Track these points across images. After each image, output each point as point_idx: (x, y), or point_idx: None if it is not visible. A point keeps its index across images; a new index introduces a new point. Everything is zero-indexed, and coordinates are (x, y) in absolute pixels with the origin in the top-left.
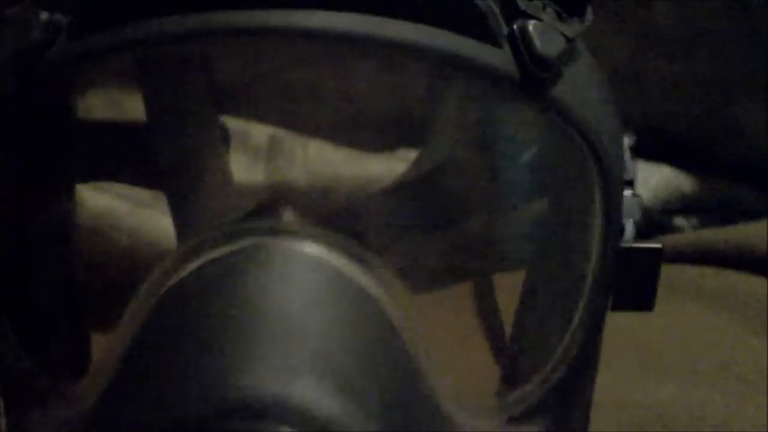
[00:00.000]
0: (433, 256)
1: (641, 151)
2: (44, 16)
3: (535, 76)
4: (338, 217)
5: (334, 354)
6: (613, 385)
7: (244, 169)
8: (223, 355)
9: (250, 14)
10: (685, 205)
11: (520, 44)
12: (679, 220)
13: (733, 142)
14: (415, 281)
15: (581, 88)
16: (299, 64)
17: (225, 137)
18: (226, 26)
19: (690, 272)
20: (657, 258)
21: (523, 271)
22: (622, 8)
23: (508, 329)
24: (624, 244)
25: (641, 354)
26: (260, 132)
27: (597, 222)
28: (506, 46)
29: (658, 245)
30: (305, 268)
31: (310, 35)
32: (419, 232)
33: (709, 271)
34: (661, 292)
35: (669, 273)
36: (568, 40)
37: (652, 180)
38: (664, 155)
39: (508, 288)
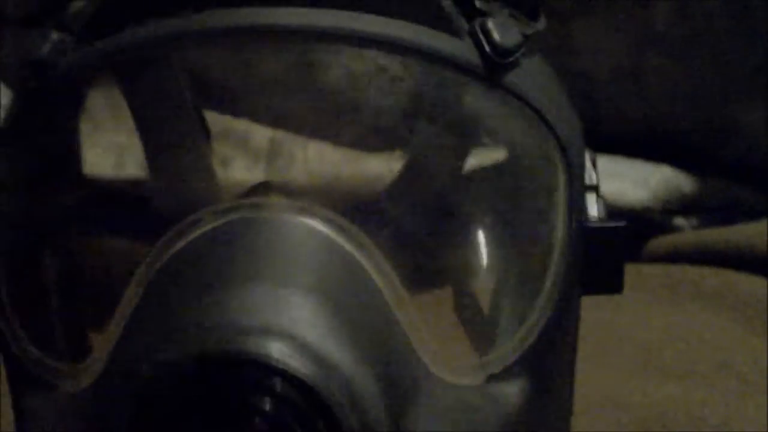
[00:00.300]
0: (415, 234)
1: (641, 151)
2: (55, 35)
3: (495, 64)
4: (324, 196)
5: (316, 312)
6: (613, 385)
7: (244, 167)
8: (212, 310)
9: (218, 15)
10: (685, 205)
11: (481, 37)
12: (679, 220)
13: (733, 142)
14: (400, 258)
15: (538, 79)
16: (271, 59)
17: (207, 131)
18: (193, 30)
19: (690, 272)
20: (622, 236)
21: (495, 246)
22: (622, 8)
23: (486, 295)
24: (590, 224)
25: (641, 354)
26: (259, 133)
27: (561, 199)
28: (467, 40)
29: (621, 223)
30: (290, 233)
31: (281, 31)
32: (402, 214)
33: (709, 271)
34: (661, 292)
35: (669, 273)
36: (525, 36)
37: (652, 180)
38: (664, 155)
39: (484, 258)
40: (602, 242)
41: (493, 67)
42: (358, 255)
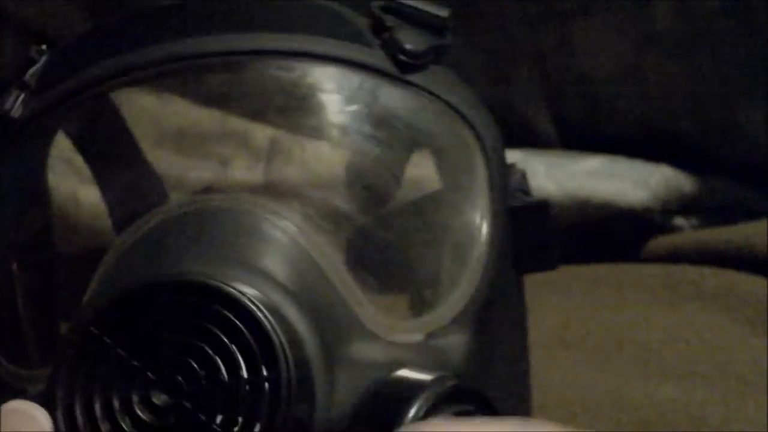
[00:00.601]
0: (355, 221)
1: (641, 151)
2: (15, 93)
3: (404, 65)
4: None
5: (253, 272)
6: (613, 385)
7: (244, 167)
8: (172, 261)
9: (145, 52)
10: (685, 205)
11: (391, 46)
12: (679, 220)
13: (733, 142)
14: (346, 243)
15: (446, 80)
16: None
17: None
18: (122, 67)
19: (690, 272)
20: (544, 212)
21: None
22: (622, 8)
23: (424, 263)
24: (514, 202)
25: (641, 354)
26: (260, 133)
27: (481, 176)
28: (379, 51)
29: (543, 199)
30: (229, 218)
31: (244, 54)
32: (347, 202)
33: (709, 271)
34: (661, 292)
35: (669, 273)
36: (432, 46)
37: (652, 180)
38: (664, 155)
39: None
40: (528, 221)
41: (403, 68)
42: (298, 237)
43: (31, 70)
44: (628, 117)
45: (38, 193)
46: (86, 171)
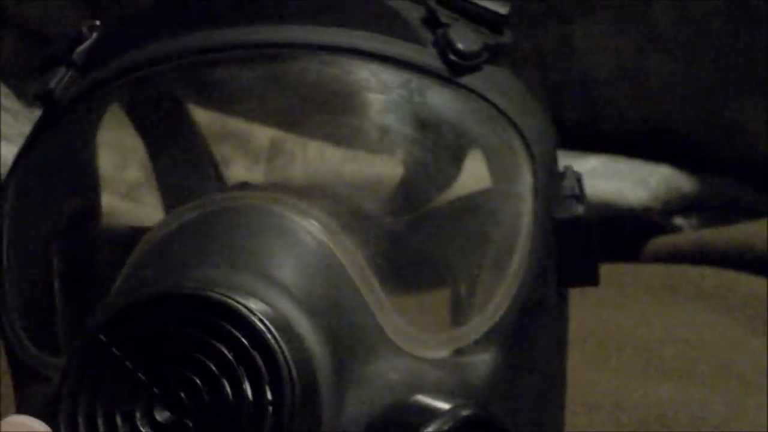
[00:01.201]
0: (387, 227)
1: (641, 151)
2: (62, 71)
3: (456, 66)
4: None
5: (266, 280)
6: (613, 385)
7: (244, 167)
8: (175, 269)
9: (199, 36)
10: (685, 205)
11: (444, 45)
12: (679, 220)
13: (733, 142)
14: (373, 245)
15: (501, 83)
16: (263, 75)
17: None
18: (173, 52)
19: (690, 272)
20: (592, 230)
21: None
22: (622, 8)
23: (457, 275)
24: (560, 216)
25: (641, 354)
26: (260, 133)
27: (527, 187)
28: (431, 49)
29: (586, 215)
30: (245, 219)
31: (283, 47)
32: (379, 209)
33: (709, 271)
34: (661, 292)
35: (669, 273)
36: (487, 45)
37: (652, 180)
38: (664, 155)
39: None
40: (572, 235)
41: (454, 69)
42: (328, 241)
43: (80, 48)
44: (628, 117)
45: (85, 174)
46: (134, 155)
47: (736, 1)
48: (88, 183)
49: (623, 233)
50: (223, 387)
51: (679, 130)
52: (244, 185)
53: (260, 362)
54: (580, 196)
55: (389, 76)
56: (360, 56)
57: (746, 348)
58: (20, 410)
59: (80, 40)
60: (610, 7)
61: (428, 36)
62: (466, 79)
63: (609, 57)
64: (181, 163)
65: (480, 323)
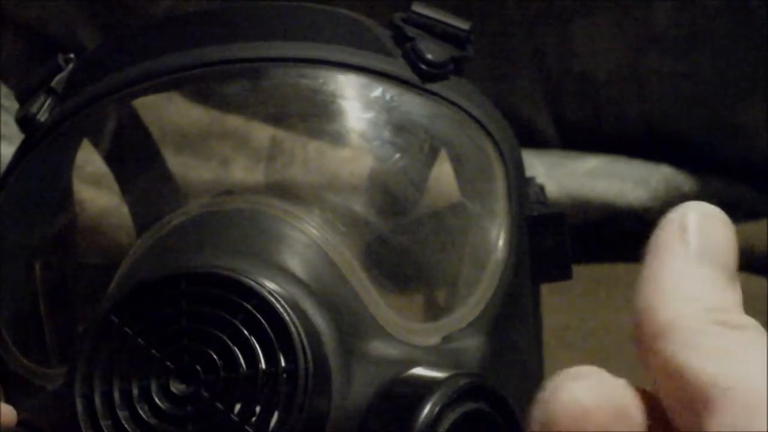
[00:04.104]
0: (375, 225)
1: (641, 151)
2: (42, 98)
3: (425, 75)
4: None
5: (273, 268)
6: None
7: (244, 167)
8: (191, 256)
9: (169, 59)
10: None
11: (413, 56)
12: None
13: (733, 142)
14: (362, 244)
15: (465, 90)
16: (254, 88)
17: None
18: (144, 74)
19: None
20: (561, 224)
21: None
22: (622, 8)
23: (442, 267)
24: (531, 212)
25: None
26: (260, 133)
27: (500, 185)
28: (401, 60)
29: (560, 212)
30: (246, 219)
31: (263, 61)
32: (363, 205)
33: None
34: None
35: None
36: (452, 57)
37: (652, 180)
38: (664, 155)
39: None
40: (544, 231)
41: (424, 78)
42: (318, 239)
43: (58, 77)
44: (628, 117)
45: (63, 196)
46: (109, 177)
47: (736, 1)
48: (65, 206)
49: (623, 233)
50: (238, 358)
51: (679, 130)
52: (228, 192)
53: (272, 334)
54: (545, 202)
55: (364, 85)
56: (336, 67)
57: None
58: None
59: (59, 69)
60: (610, 7)
61: (397, 50)
62: (436, 87)
63: (609, 57)
64: (146, 186)
65: (465, 313)
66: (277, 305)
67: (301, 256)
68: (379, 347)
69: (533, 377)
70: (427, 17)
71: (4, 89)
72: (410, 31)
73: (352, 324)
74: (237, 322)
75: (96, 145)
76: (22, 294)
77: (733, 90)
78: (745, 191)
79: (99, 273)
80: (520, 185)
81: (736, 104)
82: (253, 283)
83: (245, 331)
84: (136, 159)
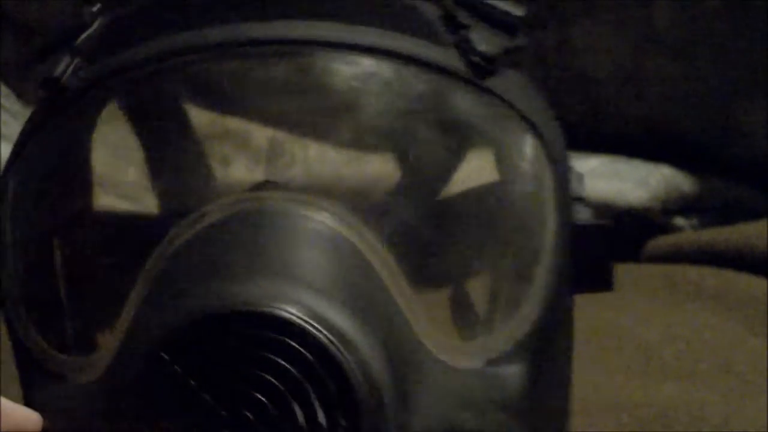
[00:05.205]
0: (416, 232)
1: (641, 151)
2: (67, 58)
3: (478, 68)
4: (325, 196)
5: (322, 294)
6: (613, 385)
7: (244, 167)
8: (227, 278)
9: (213, 32)
10: (685, 205)
11: (465, 47)
12: (679, 220)
13: (733, 142)
14: (402, 252)
15: (517, 85)
16: (277, 67)
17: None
18: (189, 45)
19: (690, 272)
20: (608, 235)
21: (492, 240)
22: (622, 8)
23: (483, 286)
24: (577, 222)
25: (641, 354)
26: (260, 133)
27: (549, 194)
28: (452, 50)
29: (605, 221)
30: (292, 225)
31: (303, 44)
32: (403, 213)
33: (709, 271)
34: (661, 292)
35: (669, 273)
36: (505, 48)
37: (652, 180)
38: (664, 155)
39: (482, 252)
40: (589, 240)
41: (476, 72)
42: (359, 245)
43: (84, 35)
44: (628, 117)
45: (84, 172)
46: (133, 149)
47: (736, 1)
48: (86, 181)
49: (623, 233)
50: (293, 409)
51: (679, 130)
52: (260, 186)
53: (332, 385)
54: (583, 198)
55: (413, 76)
56: (386, 56)
57: (746, 348)
58: (30, 407)
59: (83, 26)
60: (610, 7)
61: (448, 37)
62: (488, 82)
63: (609, 57)
64: (178, 164)
65: (510, 333)
66: (338, 355)
67: (338, 264)
68: (427, 379)
69: (564, 401)
70: (480, 1)
71: (4, 89)
72: (462, 16)
73: (399, 348)
74: (295, 371)
75: (127, 114)
76: (40, 275)
77: (733, 90)
78: (745, 191)
79: (121, 254)
80: (567, 186)
81: (736, 104)
82: (309, 327)
83: (306, 384)
84: (169, 137)
